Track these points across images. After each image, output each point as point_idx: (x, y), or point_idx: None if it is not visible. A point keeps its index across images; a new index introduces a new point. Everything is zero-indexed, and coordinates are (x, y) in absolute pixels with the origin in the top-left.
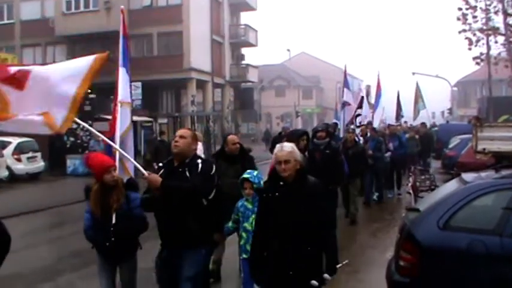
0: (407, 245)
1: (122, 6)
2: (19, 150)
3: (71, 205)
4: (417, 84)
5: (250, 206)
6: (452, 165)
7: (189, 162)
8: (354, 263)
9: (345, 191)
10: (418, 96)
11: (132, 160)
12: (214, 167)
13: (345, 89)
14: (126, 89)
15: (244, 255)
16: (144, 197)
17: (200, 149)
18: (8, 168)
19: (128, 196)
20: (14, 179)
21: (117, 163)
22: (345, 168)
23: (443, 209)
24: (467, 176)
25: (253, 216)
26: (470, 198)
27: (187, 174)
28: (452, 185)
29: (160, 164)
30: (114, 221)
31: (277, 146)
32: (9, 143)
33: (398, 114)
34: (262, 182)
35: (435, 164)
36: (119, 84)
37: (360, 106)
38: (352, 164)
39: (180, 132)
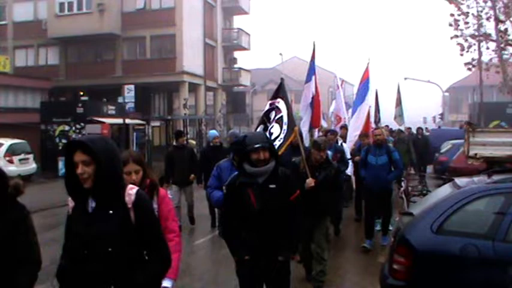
0: (401, 248)
1: None
2: (11, 151)
3: (64, 207)
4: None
5: None
6: (444, 170)
7: None
8: (347, 266)
9: (305, 238)
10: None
11: None
12: None
13: (313, 77)
14: None
15: None
16: None
17: None
18: None
19: None
20: None
21: None
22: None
23: (436, 213)
24: (461, 181)
25: None
26: (463, 202)
27: None
28: (445, 190)
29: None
30: None
31: None
32: (1, 144)
33: (377, 118)
34: None
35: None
36: None
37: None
38: (321, 196)
39: None
